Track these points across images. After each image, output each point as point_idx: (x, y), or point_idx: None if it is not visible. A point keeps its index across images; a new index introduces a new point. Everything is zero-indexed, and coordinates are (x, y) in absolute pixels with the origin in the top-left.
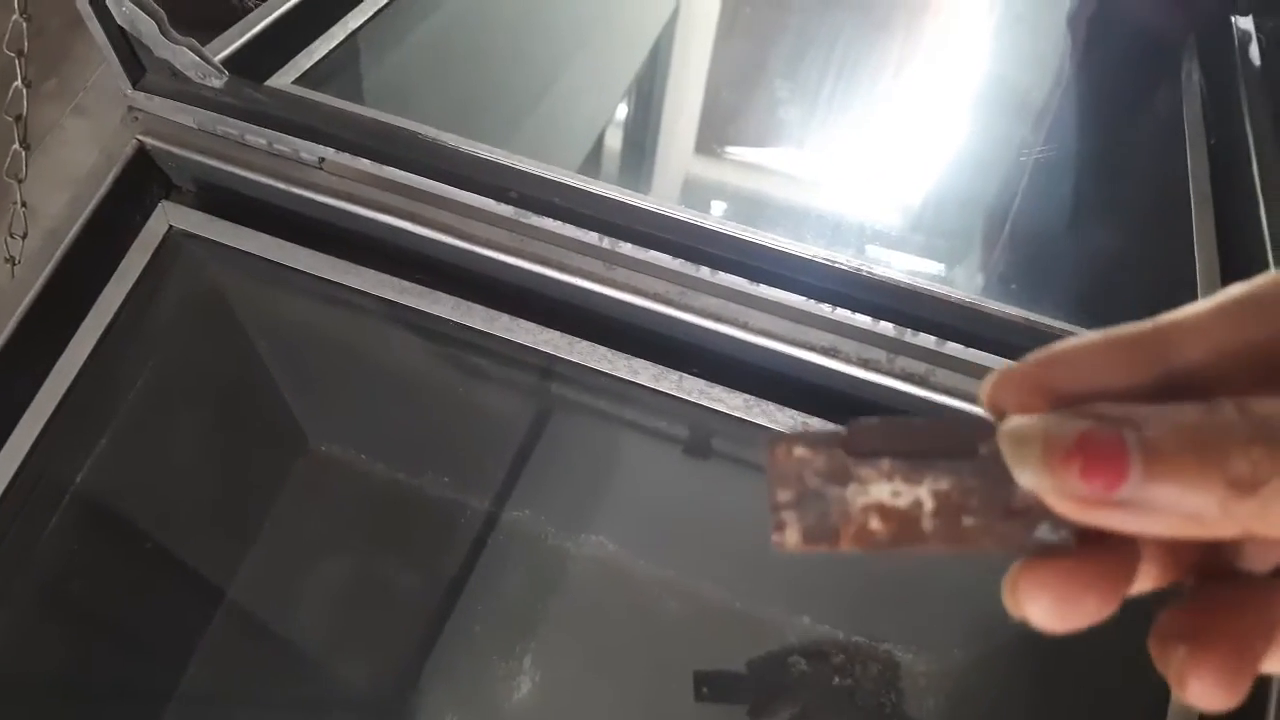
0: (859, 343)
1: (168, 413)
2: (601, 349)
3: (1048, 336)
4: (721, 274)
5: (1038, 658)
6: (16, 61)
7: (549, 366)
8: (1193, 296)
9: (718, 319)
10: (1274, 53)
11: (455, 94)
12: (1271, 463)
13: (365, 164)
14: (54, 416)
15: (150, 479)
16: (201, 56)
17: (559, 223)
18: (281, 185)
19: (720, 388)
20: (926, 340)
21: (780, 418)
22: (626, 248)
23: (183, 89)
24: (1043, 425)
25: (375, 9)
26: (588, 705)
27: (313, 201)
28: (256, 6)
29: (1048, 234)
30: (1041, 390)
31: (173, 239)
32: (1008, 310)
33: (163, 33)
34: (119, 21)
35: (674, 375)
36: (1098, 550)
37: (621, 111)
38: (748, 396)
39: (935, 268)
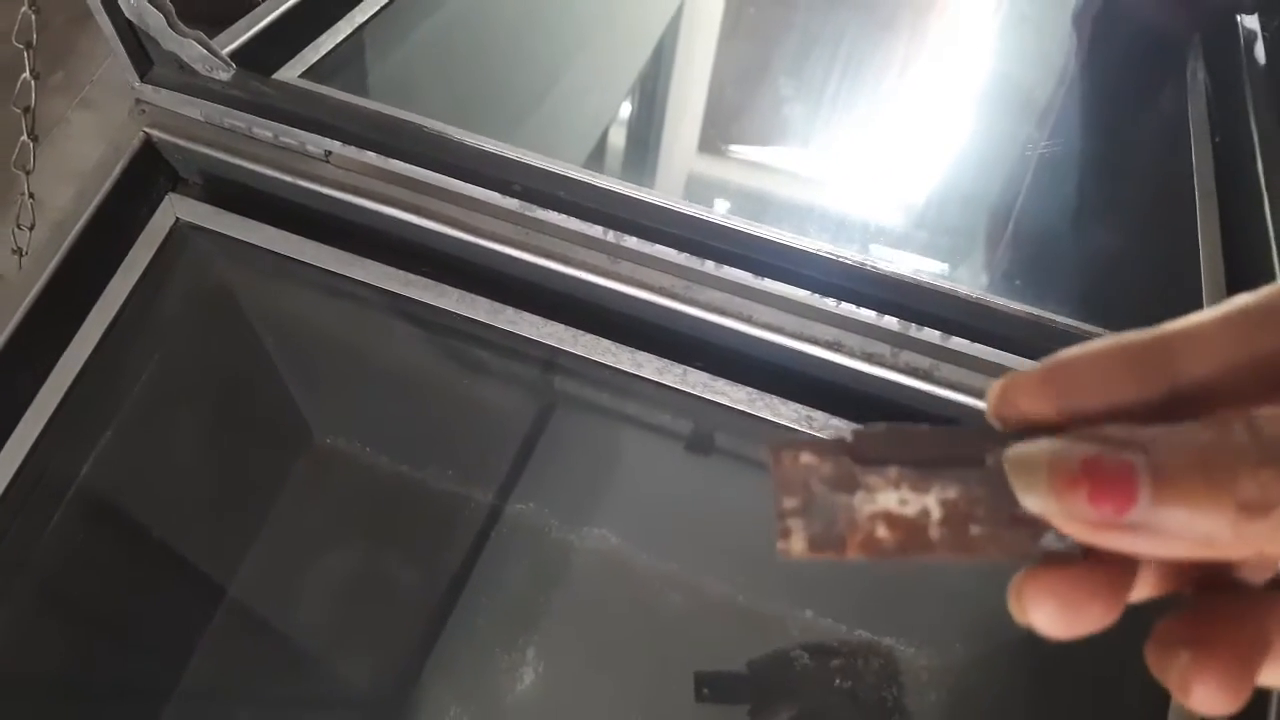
0: (863, 337)
1: (172, 406)
2: (606, 342)
3: (1052, 332)
4: (726, 268)
5: (1039, 654)
6: (25, 53)
7: (553, 360)
8: (1197, 294)
9: (722, 313)
10: (1278, 50)
11: (461, 90)
12: None
13: (371, 157)
14: (58, 410)
15: (154, 473)
16: (209, 49)
17: (564, 216)
18: (288, 178)
19: (724, 381)
20: (931, 335)
21: (784, 411)
22: (631, 241)
23: (190, 82)
24: (1049, 450)
25: (381, 4)
26: (590, 698)
27: (319, 194)
28: (264, 0)
29: (1052, 231)
30: (1047, 399)
31: (179, 232)
32: (1012, 306)
33: (170, 26)
34: (127, 14)
35: (678, 369)
36: (1103, 558)
37: (626, 109)
38: (752, 390)
39: (940, 264)
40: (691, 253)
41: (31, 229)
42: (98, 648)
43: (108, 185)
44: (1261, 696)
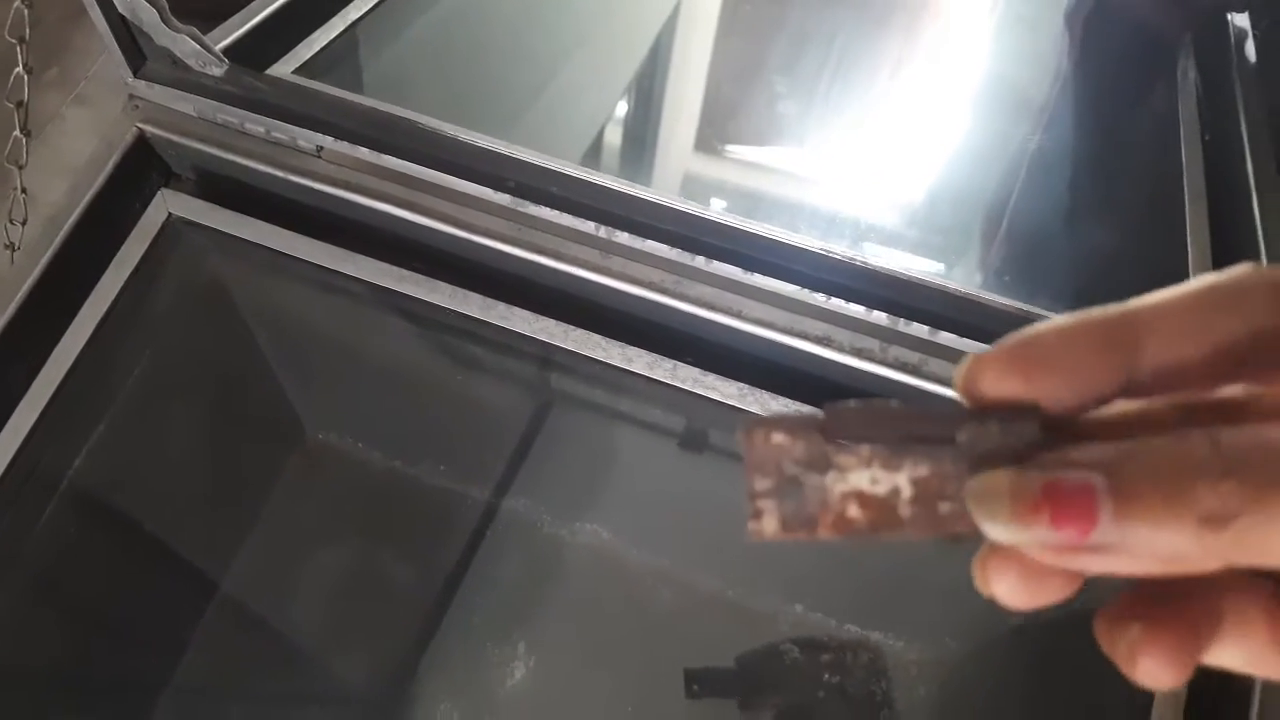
0: (852, 332)
1: (164, 401)
2: (597, 337)
3: None
4: (716, 263)
5: (1029, 649)
6: (18, 48)
7: (545, 355)
8: None
9: (712, 308)
10: (1269, 49)
11: (455, 88)
12: (1240, 497)
13: (363, 152)
14: (51, 404)
15: (146, 467)
16: (202, 45)
17: (556, 212)
18: (280, 173)
19: (714, 376)
20: (919, 330)
21: (774, 406)
22: (623, 237)
23: (183, 77)
24: (1009, 479)
25: (375, 0)
26: (581, 691)
27: (311, 190)
28: None
29: (1044, 228)
30: (1015, 377)
31: (172, 226)
32: (1000, 300)
33: (164, 21)
34: (120, 10)
35: (668, 363)
36: None
37: (622, 108)
38: (741, 385)
39: (932, 261)
40: (682, 248)
41: (24, 224)
42: (89, 642)
43: (101, 180)
44: (1244, 694)
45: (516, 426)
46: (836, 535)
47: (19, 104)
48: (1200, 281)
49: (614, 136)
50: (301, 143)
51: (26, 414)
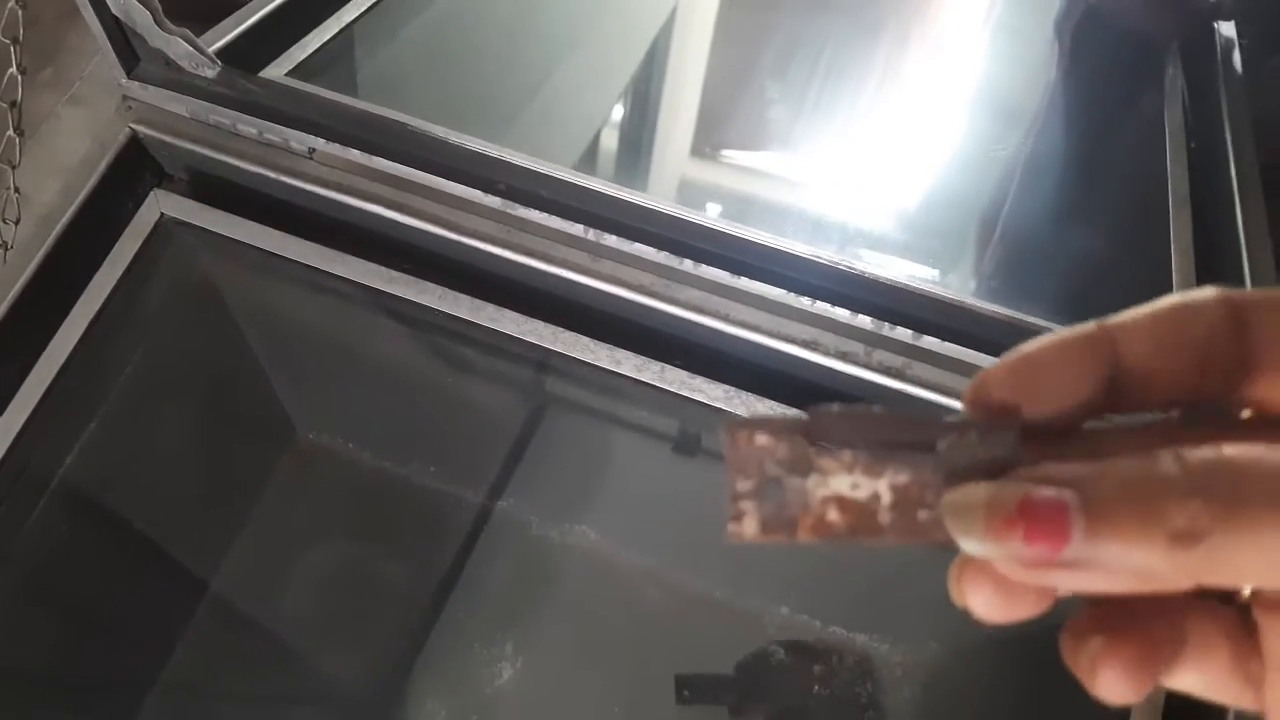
0: (838, 336)
1: (156, 400)
2: (585, 339)
3: (1021, 330)
4: (704, 267)
5: (1012, 651)
6: (11, 49)
7: (534, 357)
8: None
9: (700, 311)
10: (1255, 58)
11: (449, 91)
12: (1209, 516)
13: (355, 154)
14: (42, 402)
15: (137, 466)
16: (195, 47)
17: (545, 215)
18: (272, 174)
19: (701, 379)
20: (903, 334)
21: (760, 408)
22: (611, 240)
23: (176, 79)
24: (984, 493)
25: (369, 3)
26: (570, 690)
27: (303, 191)
28: None
29: (1030, 235)
30: (1014, 389)
31: (164, 226)
32: (982, 305)
33: (157, 23)
34: (114, 11)
35: (656, 366)
36: None
37: (617, 112)
38: (728, 388)
39: (921, 267)
40: (670, 252)
41: (17, 223)
42: (80, 641)
43: (94, 180)
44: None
45: (505, 428)
46: (816, 538)
47: (12, 104)
48: (1164, 300)
49: (610, 140)
50: (294, 144)
51: (18, 412)
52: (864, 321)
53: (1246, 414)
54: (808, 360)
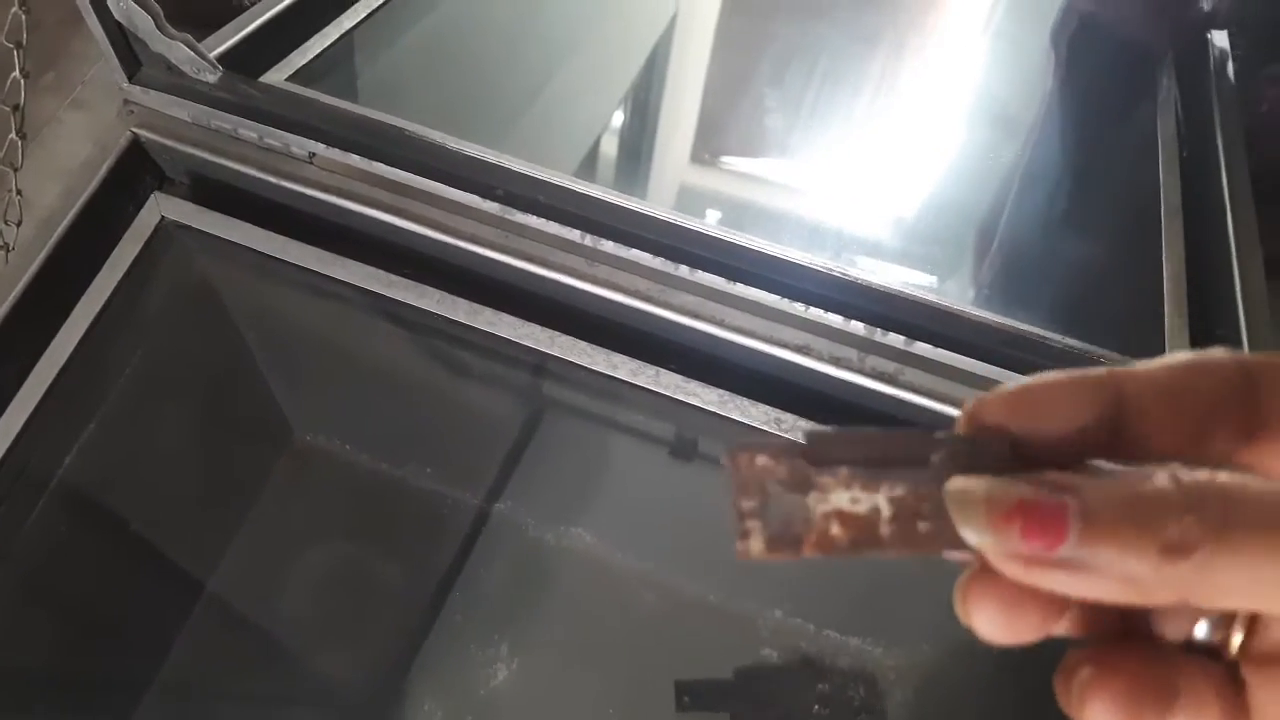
0: (831, 341)
1: (155, 402)
2: (582, 344)
3: (1012, 338)
4: (700, 272)
5: (1005, 655)
6: (15, 53)
7: (530, 360)
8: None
9: (695, 316)
10: (1247, 68)
11: (449, 97)
12: (1201, 530)
13: (355, 159)
14: (42, 403)
15: (135, 467)
16: (196, 52)
17: (543, 220)
18: (272, 179)
19: (696, 383)
20: (895, 340)
21: (754, 413)
22: (608, 245)
23: (177, 83)
24: (987, 487)
25: (370, 9)
26: (565, 692)
27: (303, 195)
28: (253, 4)
29: (1025, 244)
30: (1010, 419)
31: (164, 230)
32: (974, 312)
33: (159, 28)
34: (116, 16)
35: (651, 370)
36: None
37: (617, 119)
38: (723, 392)
39: (917, 274)
40: (667, 257)
41: (19, 225)
42: (78, 641)
43: (95, 183)
44: None
45: (502, 430)
46: (821, 554)
47: (15, 107)
48: (1174, 356)
49: (610, 147)
50: (294, 149)
51: (18, 413)
52: (857, 327)
53: None
54: (801, 365)
